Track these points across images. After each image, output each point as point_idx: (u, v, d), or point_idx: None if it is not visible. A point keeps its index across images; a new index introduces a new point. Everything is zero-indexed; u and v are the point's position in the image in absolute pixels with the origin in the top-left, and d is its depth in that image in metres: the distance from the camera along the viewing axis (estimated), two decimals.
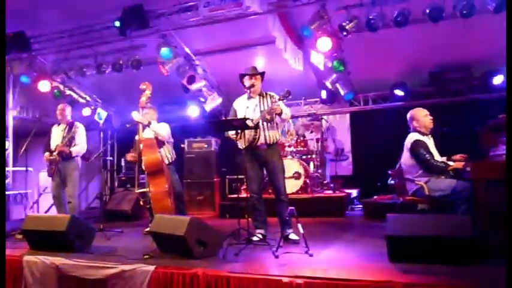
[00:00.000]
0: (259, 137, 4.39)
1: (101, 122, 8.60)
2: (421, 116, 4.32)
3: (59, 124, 5.73)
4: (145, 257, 3.73)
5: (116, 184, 8.96)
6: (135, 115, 5.20)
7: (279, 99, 4.27)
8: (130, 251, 4.07)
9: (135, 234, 5.46)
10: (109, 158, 9.64)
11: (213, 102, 7.66)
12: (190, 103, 8.23)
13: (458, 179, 4.02)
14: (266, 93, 4.57)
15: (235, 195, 7.42)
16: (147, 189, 4.99)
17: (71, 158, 5.54)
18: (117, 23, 5.25)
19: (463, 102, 7.14)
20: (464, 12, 4.82)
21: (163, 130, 5.42)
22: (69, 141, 5.51)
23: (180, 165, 6.60)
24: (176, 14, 5.85)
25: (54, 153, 5.45)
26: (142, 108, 5.24)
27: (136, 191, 5.21)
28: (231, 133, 4.44)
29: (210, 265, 3.42)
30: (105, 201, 7.91)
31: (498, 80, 6.55)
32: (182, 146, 7.26)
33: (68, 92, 7.70)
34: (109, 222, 6.34)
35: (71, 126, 5.63)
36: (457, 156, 4.19)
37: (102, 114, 8.39)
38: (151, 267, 3.36)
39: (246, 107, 4.40)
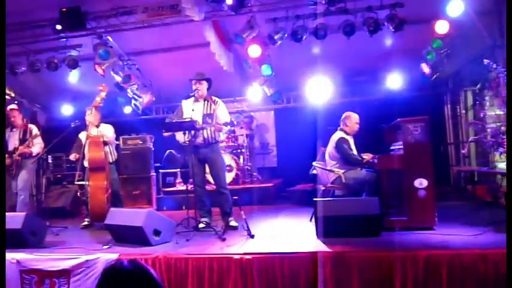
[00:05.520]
0: (200, 137, 4.92)
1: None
2: (353, 121, 5.23)
3: (12, 128, 5.97)
4: (105, 247, 4.10)
5: (44, 182, 8.81)
6: (88, 114, 5.53)
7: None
8: (85, 244, 4.40)
9: (79, 229, 5.67)
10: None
11: (147, 100, 7.95)
12: (121, 100, 8.41)
13: (367, 171, 4.97)
14: (211, 98, 5.10)
15: (170, 189, 7.86)
16: (86, 183, 5.38)
17: (29, 158, 5.90)
18: (59, 27, 5.37)
19: (369, 101, 8.28)
20: (371, 29, 5.75)
21: (110, 132, 5.84)
22: (29, 143, 5.87)
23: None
24: (114, 17, 6.06)
25: (14, 155, 5.77)
26: (95, 107, 5.55)
27: (76, 183, 5.60)
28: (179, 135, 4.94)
29: (167, 250, 3.91)
30: (38, 199, 7.81)
31: (396, 84, 7.75)
32: (117, 142, 7.42)
33: None
34: (46, 220, 6.37)
35: (25, 129, 5.97)
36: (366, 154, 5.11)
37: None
38: (115, 255, 3.76)
39: (191, 110, 4.87)
